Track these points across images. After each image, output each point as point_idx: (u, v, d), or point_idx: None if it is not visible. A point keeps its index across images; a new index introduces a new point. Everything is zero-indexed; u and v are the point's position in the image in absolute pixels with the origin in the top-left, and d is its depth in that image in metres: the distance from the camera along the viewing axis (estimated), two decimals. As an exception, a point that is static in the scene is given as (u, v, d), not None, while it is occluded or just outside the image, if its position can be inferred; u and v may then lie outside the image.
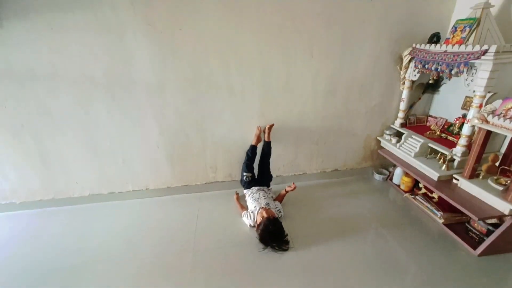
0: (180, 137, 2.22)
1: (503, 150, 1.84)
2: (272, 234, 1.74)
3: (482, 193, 1.64)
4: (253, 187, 2.18)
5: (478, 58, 1.56)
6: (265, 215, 1.82)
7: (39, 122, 2.00)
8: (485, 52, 1.53)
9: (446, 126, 2.18)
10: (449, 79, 1.96)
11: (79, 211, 2.28)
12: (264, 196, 2.05)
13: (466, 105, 2.06)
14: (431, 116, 2.41)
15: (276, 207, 2.01)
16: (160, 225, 2.07)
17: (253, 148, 2.26)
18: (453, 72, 1.73)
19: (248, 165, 2.25)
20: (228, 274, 1.62)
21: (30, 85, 1.86)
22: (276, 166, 2.50)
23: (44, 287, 1.58)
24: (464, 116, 2.05)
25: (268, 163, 2.31)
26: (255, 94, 2.15)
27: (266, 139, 2.26)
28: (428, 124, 2.40)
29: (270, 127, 2.24)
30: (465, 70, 1.66)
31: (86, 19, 1.73)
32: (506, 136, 1.81)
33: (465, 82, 1.72)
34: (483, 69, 1.57)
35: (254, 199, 2.05)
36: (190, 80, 2.01)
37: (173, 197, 2.42)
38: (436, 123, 2.27)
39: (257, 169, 2.34)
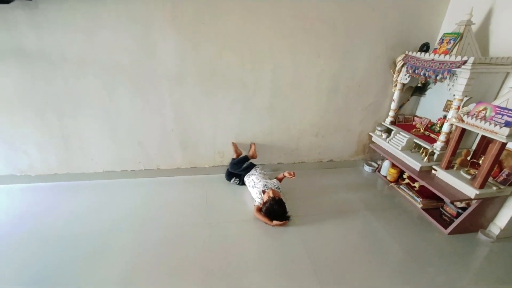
0: (193, 123, 2.42)
1: (474, 146, 2.16)
2: (276, 212, 1.98)
3: (454, 181, 1.95)
4: (245, 181, 2.42)
5: (458, 67, 1.85)
6: (271, 194, 2.06)
7: (64, 101, 2.15)
8: (464, 62, 1.83)
9: (429, 125, 2.49)
10: (435, 84, 2.26)
11: (93, 186, 2.45)
12: (258, 179, 2.27)
13: (447, 107, 2.37)
14: (417, 116, 2.72)
15: (274, 185, 2.23)
16: (172, 201, 2.28)
17: (235, 160, 2.50)
18: (438, 77, 2.03)
19: (234, 174, 2.50)
20: (242, 244, 1.85)
21: (60, 67, 2.01)
22: (277, 154, 2.75)
23: (57, 257, 1.68)
24: (445, 117, 2.35)
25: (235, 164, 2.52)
26: (265, 89, 2.38)
27: (251, 156, 2.55)
28: (414, 123, 2.70)
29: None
30: (448, 76, 1.95)
31: (117, 9, 1.89)
32: (477, 134, 2.13)
33: (447, 87, 2.02)
34: (462, 77, 1.87)
35: (251, 186, 2.28)
36: (207, 72, 2.21)
37: (182, 178, 2.63)
38: (421, 123, 2.58)
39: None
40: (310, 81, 2.43)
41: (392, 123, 2.69)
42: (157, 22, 1.98)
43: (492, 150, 1.69)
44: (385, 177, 2.77)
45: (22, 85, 2.03)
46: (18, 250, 1.73)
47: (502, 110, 1.68)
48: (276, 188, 2.22)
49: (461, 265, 1.77)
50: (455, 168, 2.04)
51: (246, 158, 2.50)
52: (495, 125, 1.64)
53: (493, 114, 1.72)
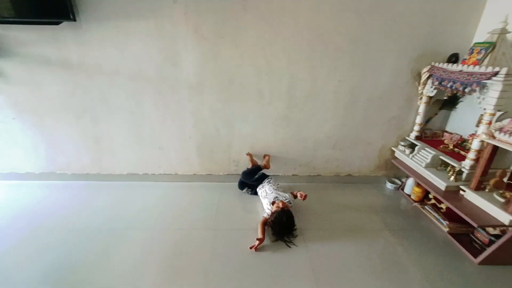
0: (211, 131, 2.53)
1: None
2: (284, 224, 1.94)
3: (486, 204, 1.74)
4: (258, 192, 2.41)
5: (489, 78, 1.70)
6: (281, 206, 2.04)
7: (98, 108, 2.40)
8: (496, 73, 1.67)
9: (460, 142, 2.28)
10: (462, 96, 2.08)
11: (118, 187, 2.64)
12: (270, 190, 2.25)
13: (480, 122, 2.16)
14: (446, 131, 2.51)
15: (286, 198, 2.18)
16: (186, 205, 2.37)
17: (250, 169, 2.52)
18: (466, 90, 1.87)
19: (246, 184, 2.51)
20: (245, 254, 1.84)
21: (97, 78, 2.27)
22: (292, 166, 2.73)
23: (76, 246, 1.88)
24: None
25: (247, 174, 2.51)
26: (281, 99, 2.41)
27: (264, 166, 2.55)
28: (443, 139, 2.49)
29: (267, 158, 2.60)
30: (477, 89, 1.80)
31: (147, 26, 2.10)
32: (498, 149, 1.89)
33: (477, 100, 1.85)
34: (494, 89, 1.70)
35: (263, 196, 2.26)
36: (225, 82, 2.32)
37: (198, 184, 2.72)
38: (451, 138, 2.37)
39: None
40: (328, 93, 2.40)
41: (418, 138, 2.52)
42: (180, 36, 2.15)
43: (529, 171, 1.49)
44: (409, 196, 2.57)
45: (64, 93, 2.32)
46: (46, 238, 1.96)
47: (541, 126, 1.49)
48: (287, 201, 2.17)
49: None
50: (487, 190, 1.83)
51: (259, 168, 2.51)
52: (532, 143, 1.46)
53: (530, 130, 1.54)
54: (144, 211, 2.27)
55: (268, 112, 2.46)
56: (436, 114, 2.50)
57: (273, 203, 2.13)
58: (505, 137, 1.60)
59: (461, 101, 2.36)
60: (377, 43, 2.24)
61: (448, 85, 2.03)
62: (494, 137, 1.67)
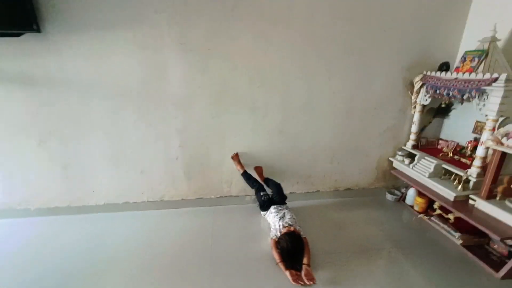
0: (200, 150, 2.29)
1: (516, 173, 1.89)
2: (293, 247, 1.72)
3: (501, 213, 1.67)
4: (271, 208, 2.15)
5: (489, 85, 1.68)
6: (292, 229, 1.82)
7: (67, 129, 2.08)
8: (495, 79, 1.65)
9: (458, 149, 2.25)
10: (461, 104, 2.07)
11: (94, 220, 2.27)
12: (289, 216, 2.01)
13: (477, 129, 2.15)
14: (441, 139, 2.49)
15: (300, 228, 1.95)
16: (175, 236, 2.06)
17: (246, 174, 2.31)
18: (465, 97, 1.85)
19: (257, 185, 2.28)
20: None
21: (65, 93, 1.97)
22: (289, 183, 2.54)
23: None
24: (476, 139, 2.13)
25: (280, 186, 2.29)
26: (276, 112, 2.26)
27: (261, 179, 2.35)
28: (439, 146, 2.47)
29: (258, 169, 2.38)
30: (476, 95, 1.77)
31: (126, 37, 1.89)
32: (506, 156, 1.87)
33: (477, 107, 1.82)
34: (495, 95, 1.68)
35: (279, 216, 2.00)
36: (216, 95, 2.13)
37: (187, 210, 2.42)
38: (448, 146, 2.34)
39: (269, 190, 2.33)
40: (323, 104, 2.30)
41: (414, 147, 2.47)
42: (164, 47, 1.95)
43: (546, 177, 1.44)
44: (412, 207, 2.48)
45: (25, 113, 1.99)
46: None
47: (550, 130, 1.45)
48: (294, 224, 1.95)
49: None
50: (498, 198, 1.77)
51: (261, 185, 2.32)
52: (545, 147, 1.41)
53: (539, 135, 1.50)
54: (126, 247, 1.94)
55: (263, 125, 2.29)
56: (430, 122, 2.49)
57: (284, 226, 1.90)
58: (514, 143, 1.56)
59: (454, 109, 2.37)
60: (370, 53, 2.21)
61: (445, 93, 2.01)
62: (502, 144, 1.63)
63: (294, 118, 2.31)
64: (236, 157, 2.33)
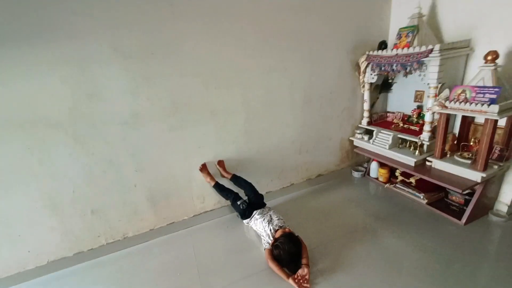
0: (161, 170, 1.99)
1: (455, 130, 2.17)
2: (291, 251, 1.62)
3: (455, 168, 1.88)
4: (254, 214, 2.01)
5: (426, 56, 1.85)
6: (286, 230, 1.74)
7: (-29, 183, 1.54)
8: (431, 50, 1.83)
9: (405, 118, 2.48)
10: (406, 77, 2.27)
11: (37, 286, 1.78)
12: (277, 217, 1.91)
13: (417, 97, 2.40)
14: (389, 112, 2.72)
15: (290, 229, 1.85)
16: (154, 275, 1.76)
17: (218, 186, 2.12)
18: (408, 70, 2.01)
19: (232, 195, 2.10)
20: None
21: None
22: (264, 182, 2.45)
23: None
24: (419, 107, 2.37)
25: (252, 185, 2.16)
26: (237, 112, 2.11)
27: (227, 177, 2.17)
28: (388, 119, 2.69)
29: (220, 163, 2.16)
30: (417, 67, 1.94)
31: (36, 52, 1.46)
32: (456, 118, 2.15)
33: (419, 77, 2.01)
34: (433, 65, 1.86)
35: (266, 221, 1.88)
36: (169, 106, 1.86)
37: (159, 240, 2.11)
38: (396, 117, 2.57)
39: (244, 193, 2.20)
40: (283, 96, 2.25)
41: (369, 123, 2.63)
42: (94, 59, 1.59)
43: (486, 130, 1.65)
44: (377, 179, 2.66)
45: None
46: None
47: (481, 89, 1.67)
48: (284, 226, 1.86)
49: (494, 255, 1.64)
50: (448, 156, 1.99)
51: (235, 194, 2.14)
52: (482, 104, 1.61)
53: (473, 94, 1.71)
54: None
55: (226, 129, 2.12)
56: (377, 98, 2.68)
57: (276, 230, 1.80)
58: (456, 105, 1.75)
59: (395, 83, 2.59)
60: (318, 40, 2.23)
61: (389, 69, 2.17)
62: (446, 107, 1.82)
63: (257, 115, 2.20)
64: (204, 168, 2.11)
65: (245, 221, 2.09)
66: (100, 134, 1.73)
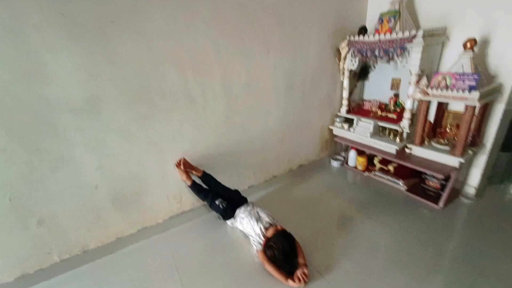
0: (129, 167, 1.68)
1: (429, 117, 2.25)
2: (286, 250, 1.49)
3: (434, 155, 1.94)
4: (238, 212, 1.84)
5: (410, 41, 1.85)
6: (279, 228, 1.60)
7: None
8: (415, 36, 1.83)
9: (382, 106, 2.52)
10: (388, 63, 2.27)
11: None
12: (265, 214, 1.75)
13: (394, 85, 2.44)
14: (365, 100, 2.75)
15: (281, 225, 1.71)
16: (127, 292, 1.49)
17: (195, 186, 1.89)
18: (391, 56, 2.00)
19: (210, 195, 1.89)
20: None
21: None
22: (246, 175, 2.28)
23: None
24: (396, 95, 2.42)
25: (221, 184, 1.98)
26: (217, 99, 1.88)
27: (198, 175, 1.93)
28: (365, 107, 2.71)
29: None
30: (400, 53, 1.94)
31: None
32: (430, 105, 2.22)
33: (400, 64, 2.01)
34: (416, 51, 1.87)
35: (254, 219, 1.71)
36: (136, 90, 1.55)
37: (129, 249, 1.81)
38: (373, 105, 2.60)
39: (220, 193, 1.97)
40: (266, 81, 2.08)
41: (348, 111, 2.62)
42: (34, 26, 1.21)
43: (466, 116, 1.71)
44: (355, 167, 2.69)
45: None
46: None
47: (461, 76, 1.72)
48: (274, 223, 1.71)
49: (477, 232, 1.74)
50: (426, 142, 2.05)
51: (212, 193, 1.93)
52: (463, 91, 1.66)
53: (454, 81, 1.76)
54: None
55: (205, 118, 1.88)
56: (355, 86, 2.68)
57: (266, 228, 1.64)
58: (438, 92, 1.79)
59: (372, 71, 2.60)
60: (300, 21, 2.10)
61: (371, 55, 2.14)
62: (428, 94, 1.85)
63: (238, 102, 2.00)
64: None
65: (228, 221, 1.91)
66: (45, 124, 1.35)
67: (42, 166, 1.42)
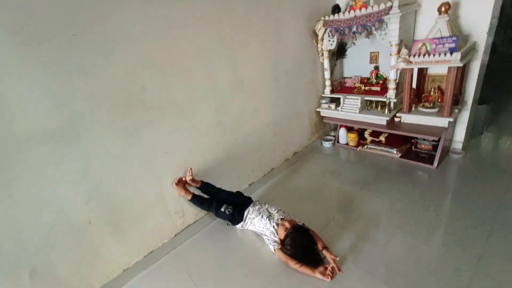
0: (123, 192, 1.51)
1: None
2: (304, 245, 1.46)
3: (423, 119, 2.01)
4: (247, 214, 1.76)
5: (387, 13, 1.85)
6: (288, 225, 1.52)
7: None
8: (391, 7, 1.83)
9: (365, 81, 2.55)
10: (368, 37, 2.27)
11: None
12: (275, 210, 1.70)
13: (373, 59, 2.47)
14: (346, 77, 2.76)
15: (292, 218, 1.66)
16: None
17: (196, 199, 1.77)
18: (369, 30, 2.00)
19: (214, 204, 1.79)
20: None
21: None
22: (245, 174, 2.20)
23: None
24: (376, 67, 2.45)
25: (222, 189, 1.89)
26: (205, 102, 1.75)
27: (196, 185, 1.81)
28: (347, 85, 2.73)
29: (180, 181, 1.75)
30: (379, 26, 1.94)
31: None
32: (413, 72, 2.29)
33: (379, 37, 2.02)
34: (393, 22, 1.88)
35: (265, 217, 1.64)
36: (119, 106, 1.37)
37: (137, 279, 1.65)
38: (355, 82, 2.62)
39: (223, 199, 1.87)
40: (252, 75, 1.99)
41: (332, 91, 2.62)
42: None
43: (450, 77, 1.78)
44: (347, 144, 2.72)
45: None
46: None
47: (440, 40, 1.77)
48: (286, 217, 1.65)
49: (473, 185, 1.84)
50: (413, 109, 2.12)
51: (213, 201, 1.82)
52: (444, 54, 1.70)
53: (433, 46, 1.81)
54: None
55: (195, 124, 1.75)
56: (335, 65, 2.67)
57: (276, 226, 1.58)
58: (420, 59, 1.83)
59: (349, 47, 2.61)
60: (276, 10, 2.02)
61: (349, 32, 2.13)
62: (411, 62, 1.88)
63: (228, 102, 1.88)
64: (180, 182, 1.72)
65: (238, 226, 1.82)
66: (15, 163, 1.14)
67: (25, 209, 1.21)
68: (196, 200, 1.76)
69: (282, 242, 1.51)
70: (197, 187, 1.80)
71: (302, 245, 1.45)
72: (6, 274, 1.22)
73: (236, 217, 1.78)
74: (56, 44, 1.13)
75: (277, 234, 1.57)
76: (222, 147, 1.95)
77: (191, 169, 1.73)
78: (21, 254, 1.24)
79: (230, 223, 1.84)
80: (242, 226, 1.82)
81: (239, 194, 1.92)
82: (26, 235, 1.24)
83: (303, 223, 1.63)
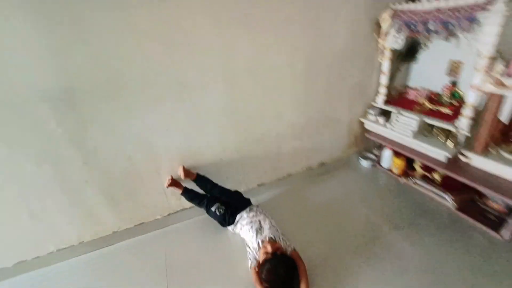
0: (119, 161, 1.55)
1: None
2: (281, 280, 1.24)
3: (503, 169, 1.43)
4: (239, 218, 1.62)
5: (484, 9, 1.29)
6: (269, 250, 1.32)
7: None
8: (490, 2, 1.27)
9: (433, 97, 1.97)
10: (446, 40, 1.70)
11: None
12: (268, 225, 1.50)
13: (453, 70, 1.86)
14: (409, 87, 2.19)
15: (285, 240, 1.45)
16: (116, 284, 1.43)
17: (187, 193, 1.70)
18: (454, 30, 1.46)
19: (205, 201, 1.69)
20: None
21: None
22: (255, 174, 2.03)
23: None
24: (454, 83, 1.85)
25: (218, 186, 1.76)
26: (217, 86, 1.60)
27: (191, 178, 1.70)
28: (408, 97, 2.17)
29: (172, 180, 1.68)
30: (467, 27, 1.39)
31: None
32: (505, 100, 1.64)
33: (465, 42, 1.46)
34: (492, 23, 1.31)
35: (254, 229, 1.48)
36: (117, 78, 1.35)
37: (124, 244, 1.74)
38: (420, 95, 2.05)
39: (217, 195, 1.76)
40: (280, 66, 1.72)
41: (386, 102, 2.12)
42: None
43: None
44: (390, 170, 2.22)
45: None
46: None
47: None
48: (288, 246, 1.42)
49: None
50: (491, 150, 1.52)
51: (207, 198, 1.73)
52: None
53: (550, 68, 1.20)
54: None
55: (202, 108, 1.62)
56: (399, 70, 2.13)
57: (259, 245, 1.41)
58: (520, 82, 1.24)
59: (424, 50, 2.02)
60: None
61: (423, 30, 1.61)
62: (504, 86, 1.31)
63: (245, 91, 1.69)
64: (173, 182, 1.68)
65: (229, 227, 1.70)
66: (17, 116, 1.24)
67: (26, 161, 1.34)
68: (187, 194, 1.70)
69: (263, 263, 1.33)
70: (191, 180, 1.72)
71: (278, 279, 1.24)
72: (6, 219, 1.42)
73: (227, 220, 1.66)
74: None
75: (259, 253, 1.38)
76: (231, 139, 1.80)
77: (183, 166, 1.66)
78: (19, 201, 1.41)
79: (220, 224, 1.73)
80: (233, 230, 1.69)
81: (237, 194, 1.78)
82: (20, 183, 1.38)
83: (294, 248, 1.40)
